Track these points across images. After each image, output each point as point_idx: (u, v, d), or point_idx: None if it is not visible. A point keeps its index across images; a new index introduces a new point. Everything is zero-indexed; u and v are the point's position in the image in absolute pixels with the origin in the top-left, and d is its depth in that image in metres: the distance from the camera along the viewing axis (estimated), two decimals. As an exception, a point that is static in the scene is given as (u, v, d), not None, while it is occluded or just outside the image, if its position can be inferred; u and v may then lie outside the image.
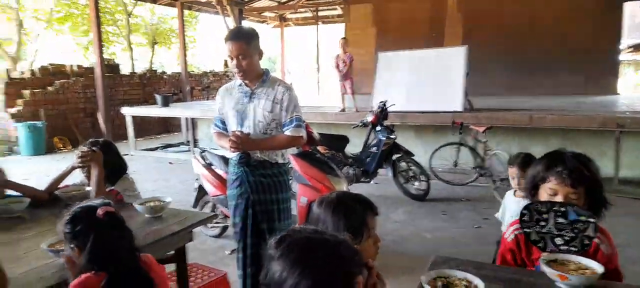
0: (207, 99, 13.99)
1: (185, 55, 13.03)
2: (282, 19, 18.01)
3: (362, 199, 1.61)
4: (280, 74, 18.03)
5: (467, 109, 6.80)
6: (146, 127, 11.60)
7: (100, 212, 1.48)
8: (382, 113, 5.67)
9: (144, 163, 8.33)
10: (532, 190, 1.76)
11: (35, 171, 7.65)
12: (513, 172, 2.79)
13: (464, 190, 5.88)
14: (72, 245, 1.47)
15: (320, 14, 16.84)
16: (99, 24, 10.40)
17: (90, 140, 2.58)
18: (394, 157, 5.60)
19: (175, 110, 9.37)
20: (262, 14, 16.90)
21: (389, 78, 7.23)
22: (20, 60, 14.53)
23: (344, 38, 7.34)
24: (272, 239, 1.01)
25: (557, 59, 10.75)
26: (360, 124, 5.86)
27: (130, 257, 1.51)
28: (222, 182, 4.03)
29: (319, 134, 5.71)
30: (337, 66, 7.21)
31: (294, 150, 3.90)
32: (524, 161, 2.71)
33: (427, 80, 6.84)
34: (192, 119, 8.80)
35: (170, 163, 8.40)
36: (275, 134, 2.56)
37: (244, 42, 2.45)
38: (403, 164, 5.62)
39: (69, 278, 1.46)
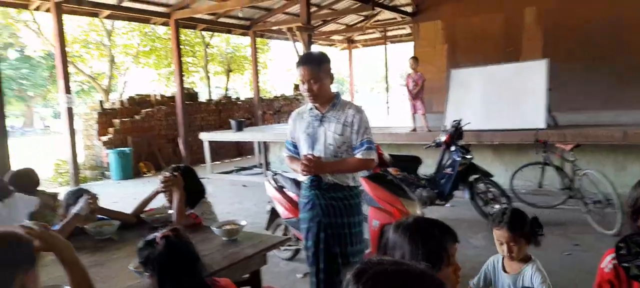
0: (278, 123, 14.38)
1: (257, 81, 13.56)
2: (350, 41, 18.21)
3: (440, 224, 1.52)
4: (348, 95, 18.16)
5: (551, 125, 6.32)
6: (221, 151, 12.13)
7: (158, 238, 1.53)
8: (457, 132, 5.44)
9: (219, 186, 8.68)
10: (633, 215, 1.56)
11: (123, 194, 8.26)
12: (500, 235, 2.13)
13: (551, 213, 5.42)
14: (147, 273, 1.52)
15: (389, 33, 16.79)
16: (179, 57, 11.18)
17: (172, 165, 2.71)
18: (471, 178, 5.32)
19: (248, 135, 9.72)
20: (330, 38, 17.22)
21: (462, 95, 6.96)
22: (111, 92, 15.98)
23: (414, 57, 7.21)
24: (349, 272, 0.96)
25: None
26: (433, 144, 5.66)
27: (196, 281, 1.53)
28: (293, 205, 4.05)
29: (390, 155, 5.61)
30: (408, 86, 7.08)
31: (364, 172, 3.85)
32: (515, 220, 2.09)
33: (505, 96, 6.48)
34: (264, 143, 9.06)
35: (244, 186, 8.68)
36: (346, 156, 2.53)
37: (315, 66, 2.47)
38: (481, 186, 5.32)
39: None
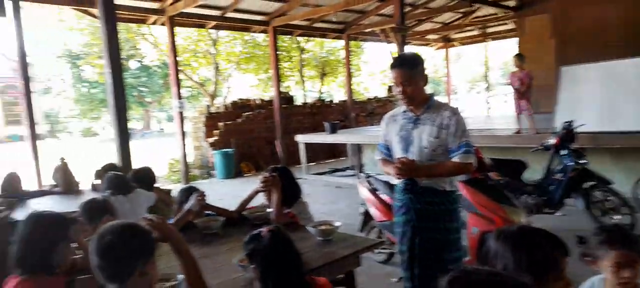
0: (371, 125, 14.34)
1: (350, 84, 13.68)
2: (446, 40, 17.56)
3: (548, 235, 1.40)
4: (445, 96, 17.51)
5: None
6: (316, 153, 12.42)
7: (264, 232, 1.60)
8: (568, 134, 4.96)
9: (314, 186, 8.90)
10: None
11: (226, 192, 8.85)
12: (612, 259, 1.65)
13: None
14: (252, 266, 1.60)
15: (489, 30, 15.89)
16: (277, 62, 11.71)
17: (271, 166, 2.85)
18: (586, 185, 4.81)
19: (341, 137, 9.83)
20: (425, 37, 16.77)
21: (575, 95, 6.32)
22: (216, 97, 17.24)
23: (519, 54, 6.71)
24: (442, 278, 0.92)
25: None
26: (541, 147, 5.22)
27: (297, 276, 1.57)
28: (387, 208, 4.01)
29: (491, 159, 5.29)
30: (513, 84, 6.63)
31: (463, 176, 3.68)
32: (624, 238, 1.66)
33: (628, 95, 5.76)
34: (358, 145, 9.10)
35: (337, 187, 8.79)
36: (442, 160, 2.44)
37: (408, 69, 2.43)
38: (598, 194, 4.79)
39: None
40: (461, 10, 14.98)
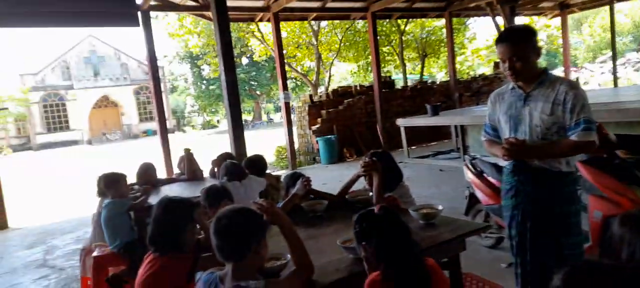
0: (477, 105, 13.60)
1: (453, 64, 13.10)
2: (563, 6, 15.83)
3: None
4: (562, 69, 15.87)
5: None
6: (418, 136, 12.17)
7: (377, 209, 1.66)
8: None
9: (416, 170, 8.77)
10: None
11: (330, 176, 9.13)
12: None
13: None
14: (362, 243, 1.67)
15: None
16: (376, 47, 11.66)
17: (371, 151, 2.90)
18: None
19: (443, 119, 9.51)
20: (538, 6, 15.31)
21: None
22: (319, 86, 17.73)
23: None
24: (559, 274, 0.87)
25: None
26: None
27: (409, 251, 1.62)
28: (495, 190, 3.84)
29: (617, 135, 4.74)
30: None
31: (582, 156, 3.36)
32: None
33: None
34: (461, 126, 8.72)
35: (440, 170, 8.55)
36: (556, 138, 2.26)
37: (516, 42, 2.28)
38: None
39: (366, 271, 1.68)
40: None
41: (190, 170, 5.07)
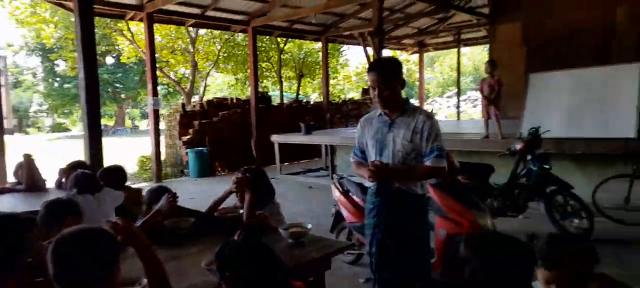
0: (346, 127, 14.47)
1: (327, 86, 13.76)
2: (421, 45, 17.85)
3: (523, 246, 1.46)
4: (417, 100, 17.80)
5: (641, 135, 5.76)
6: (291, 153, 12.42)
7: (237, 235, 1.58)
8: (534, 140, 5.14)
9: (287, 186, 8.93)
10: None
11: (199, 191, 8.77)
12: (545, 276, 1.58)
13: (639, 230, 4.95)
14: (225, 274, 1.51)
15: (462, 36, 16.24)
16: (255, 62, 11.70)
17: (244, 167, 2.86)
18: (549, 189, 5.00)
19: (315, 138, 9.89)
20: (401, 42, 17.01)
21: (542, 101, 6.54)
22: (193, 96, 17.04)
23: (490, 61, 6.90)
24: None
25: None
26: (508, 152, 5.40)
27: (274, 279, 1.53)
28: (358, 209, 4.08)
29: (459, 162, 5.43)
30: (483, 91, 6.81)
31: (433, 180, 3.78)
32: (553, 257, 1.57)
33: (591, 102, 6.01)
34: (331, 146, 9.17)
35: (310, 187, 8.84)
36: (415, 164, 2.51)
37: (386, 72, 2.48)
38: (559, 198, 4.97)
39: None
40: (437, 16, 15.28)
41: (29, 178, 4.37)
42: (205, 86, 17.44)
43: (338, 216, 4.50)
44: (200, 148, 10.91)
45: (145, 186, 3.26)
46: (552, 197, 4.96)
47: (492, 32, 13.16)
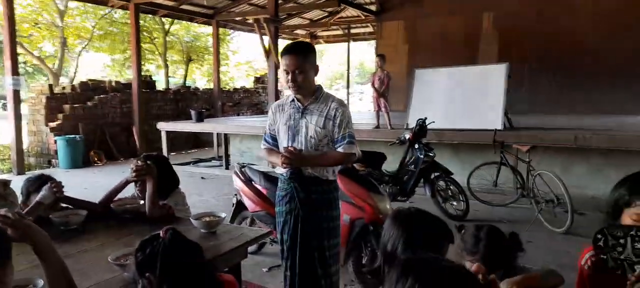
0: (238, 115, 14.18)
1: (218, 72, 13.27)
2: (313, 37, 18.20)
3: (438, 221, 1.55)
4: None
5: (507, 127, 6.62)
6: (178, 142, 11.80)
7: (162, 233, 1.42)
8: (421, 130, 5.57)
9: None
10: (613, 214, 1.65)
11: (73, 183, 7.83)
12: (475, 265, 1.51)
13: (504, 211, 5.69)
14: (146, 275, 1.36)
15: (352, 31, 16.94)
16: (138, 43, 10.76)
17: (144, 154, 2.60)
18: (432, 175, 5.48)
19: (208, 126, 9.50)
20: (294, 32, 17.14)
21: (425, 95, 7.13)
22: (61, 77, 15.10)
23: (381, 55, 7.28)
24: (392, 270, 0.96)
25: (598, 77, 10.43)
26: (397, 141, 5.77)
27: (203, 276, 1.42)
28: (262, 198, 4.02)
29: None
30: (374, 83, 7.16)
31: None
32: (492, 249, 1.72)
33: (466, 97, 6.71)
34: (225, 135, 8.89)
35: (202, 178, 8.48)
36: (327, 150, 2.52)
37: (301, 56, 2.44)
38: (441, 183, 5.49)
39: None
40: (328, 9, 15.70)
41: None
42: (77, 67, 15.58)
43: (239, 206, 4.37)
44: (72, 136, 9.75)
45: (9, 178, 2.73)
46: (435, 182, 5.44)
47: (378, 28, 13.98)
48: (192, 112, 9.51)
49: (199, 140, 12.95)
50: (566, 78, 10.82)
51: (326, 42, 18.75)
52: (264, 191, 4.04)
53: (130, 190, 2.72)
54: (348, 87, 16.38)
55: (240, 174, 4.34)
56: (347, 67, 16.27)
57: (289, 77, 2.45)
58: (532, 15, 11.39)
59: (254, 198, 4.09)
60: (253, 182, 4.21)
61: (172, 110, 12.56)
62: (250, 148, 9.56)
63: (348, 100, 17.24)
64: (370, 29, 17.16)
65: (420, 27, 13.07)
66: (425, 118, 5.62)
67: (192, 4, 12.31)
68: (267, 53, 9.20)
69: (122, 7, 11.11)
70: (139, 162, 2.46)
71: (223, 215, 2.25)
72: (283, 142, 2.59)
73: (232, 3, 12.89)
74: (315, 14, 15.73)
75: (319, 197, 2.54)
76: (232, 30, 16.24)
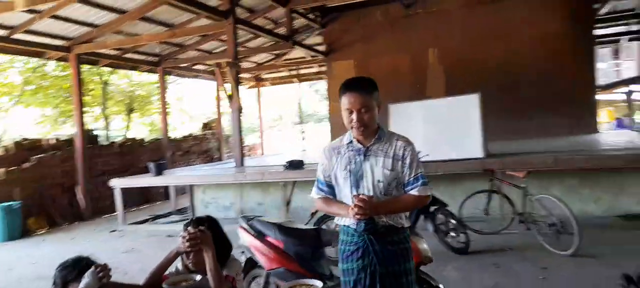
0: (188, 165, 13.44)
1: (166, 121, 12.57)
2: (258, 79, 18.03)
3: None
4: (258, 133, 17.79)
5: (489, 155, 6.76)
6: (127, 199, 10.81)
7: None
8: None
9: (137, 239, 7.65)
10: None
11: (15, 260, 6.86)
12: None
13: (500, 238, 5.69)
14: None
15: (301, 72, 17.04)
16: (80, 95, 9.95)
17: (194, 217, 2.20)
18: (431, 209, 5.37)
19: (170, 179, 8.78)
20: (240, 76, 16.85)
21: (403, 128, 7.03)
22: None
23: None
24: None
25: (541, 102, 11.16)
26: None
27: None
28: (279, 253, 3.65)
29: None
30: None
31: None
32: None
33: (443, 129, 6.78)
34: (191, 186, 8.26)
35: (169, 236, 7.75)
36: (396, 194, 2.28)
37: (367, 92, 2.21)
38: (441, 216, 5.39)
39: None
40: (275, 52, 15.68)
41: None
42: (4, 127, 13.99)
43: (249, 263, 3.95)
44: (7, 204, 8.56)
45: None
46: (435, 215, 5.33)
47: (329, 68, 14.11)
48: (151, 165, 8.77)
49: (149, 194, 12.03)
50: (512, 104, 11.46)
51: (272, 84, 18.65)
52: (281, 245, 3.68)
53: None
54: (301, 124, 16.23)
55: (248, 228, 3.95)
56: (299, 107, 16.17)
57: (354, 116, 2.21)
58: (472, 48, 12.08)
59: (270, 255, 3.70)
60: (266, 237, 3.83)
61: (119, 165, 11.60)
62: (215, 198, 8.98)
63: (304, 138, 17.11)
64: (315, 69, 17.37)
65: (371, 65, 13.38)
66: (419, 151, 5.55)
67: (137, 52, 11.70)
68: (229, 97, 8.84)
69: (62, 59, 10.23)
70: (190, 228, 2.06)
71: (319, 284, 1.90)
72: (343, 190, 2.31)
73: (178, 50, 12.43)
74: (261, 57, 15.63)
75: (395, 248, 2.27)
76: (174, 77, 15.59)
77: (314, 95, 30.89)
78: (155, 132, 17.24)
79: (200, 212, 8.56)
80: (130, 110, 15.76)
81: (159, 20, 10.21)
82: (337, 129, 13.86)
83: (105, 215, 10.43)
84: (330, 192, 2.38)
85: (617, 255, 4.67)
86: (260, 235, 3.84)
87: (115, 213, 10.60)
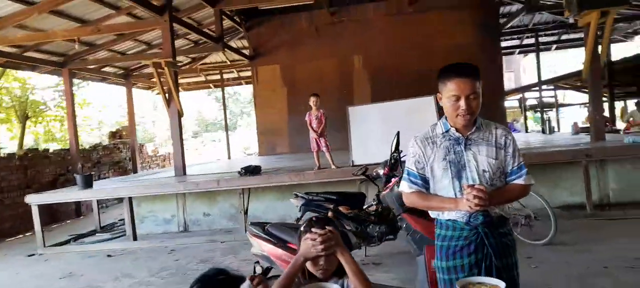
0: (99, 177, 12.03)
1: (75, 129, 11.06)
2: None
3: None
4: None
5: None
6: (26, 218, 9.29)
7: None
8: (397, 164, 5.52)
9: (71, 262, 6.61)
10: None
11: None
12: None
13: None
14: None
15: (219, 76, 16.33)
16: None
17: (313, 216, 1.92)
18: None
19: (101, 192, 7.69)
20: (151, 80, 15.59)
21: (363, 131, 7.17)
22: None
23: (316, 94, 7.08)
24: None
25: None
26: (371, 178, 5.59)
27: None
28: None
29: (336, 192, 5.32)
30: (311, 124, 6.94)
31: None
32: None
33: (401, 130, 6.95)
34: (130, 199, 7.34)
35: (109, 256, 6.81)
36: (499, 184, 2.24)
37: (476, 78, 2.14)
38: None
39: None
40: (192, 55, 14.83)
41: None
42: None
43: (267, 273, 3.63)
44: None
45: None
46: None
47: (254, 73, 13.75)
48: (78, 177, 7.61)
49: (57, 212, 10.51)
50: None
51: (186, 89, 17.60)
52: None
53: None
54: (226, 131, 15.48)
55: (265, 235, 3.64)
56: (224, 112, 15.46)
57: (462, 102, 2.12)
58: (394, 56, 12.72)
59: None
60: (287, 243, 3.56)
61: (20, 180, 9.93)
62: (152, 211, 8.16)
63: (229, 143, 16.32)
64: (234, 75, 16.83)
65: (297, 70, 13.37)
66: (401, 151, 5.62)
67: (38, 50, 10.16)
68: (168, 100, 8.09)
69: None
70: (320, 230, 1.79)
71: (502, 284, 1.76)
72: (442, 181, 2.20)
73: (88, 49, 11.08)
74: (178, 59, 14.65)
75: (507, 239, 2.22)
76: (78, 80, 13.87)
77: (214, 103, 29.68)
78: (53, 142, 15.13)
79: (137, 226, 7.68)
80: (25, 118, 13.56)
81: (72, 15, 9.01)
82: (265, 134, 13.56)
83: (8, 238, 8.89)
84: (424, 185, 2.26)
85: (585, 242, 5.16)
86: (280, 242, 3.56)
87: (20, 236, 9.19)
